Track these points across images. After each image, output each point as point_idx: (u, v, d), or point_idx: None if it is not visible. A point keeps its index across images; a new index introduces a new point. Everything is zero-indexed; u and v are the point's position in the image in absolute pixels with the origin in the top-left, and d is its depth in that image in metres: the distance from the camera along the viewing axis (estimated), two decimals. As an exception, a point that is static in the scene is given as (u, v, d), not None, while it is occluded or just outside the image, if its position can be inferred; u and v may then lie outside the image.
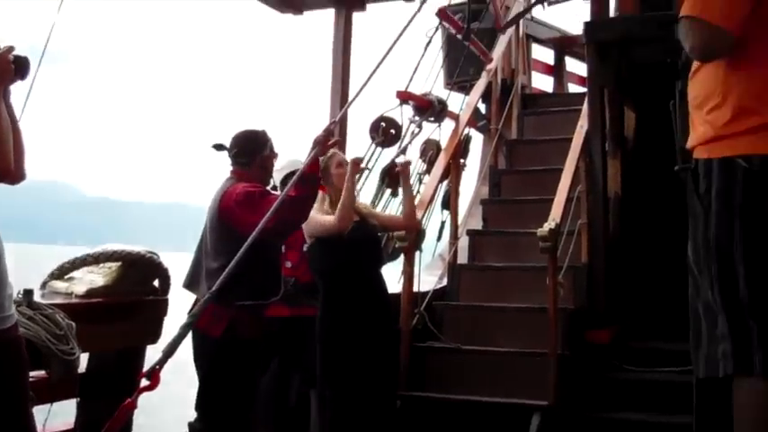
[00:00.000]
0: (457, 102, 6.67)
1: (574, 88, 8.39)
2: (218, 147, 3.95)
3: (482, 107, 7.35)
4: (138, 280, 3.87)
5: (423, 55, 5.64)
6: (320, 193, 4.16)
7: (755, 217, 2.12)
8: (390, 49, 3.56)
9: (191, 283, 3.88)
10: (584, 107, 5.76)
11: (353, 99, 3.67)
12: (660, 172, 3.40)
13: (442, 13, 5.49)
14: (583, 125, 5.67)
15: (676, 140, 2.64)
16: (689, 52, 2.23)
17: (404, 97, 5.51)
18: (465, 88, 6.84)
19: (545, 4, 7.59)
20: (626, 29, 5.41)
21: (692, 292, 2.33)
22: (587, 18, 5.73)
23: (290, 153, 4.89)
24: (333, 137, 3.72)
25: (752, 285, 2.12)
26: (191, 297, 3.85)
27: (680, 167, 2.44)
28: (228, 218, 3.73)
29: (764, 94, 2.15)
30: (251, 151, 3.91)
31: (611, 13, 5.86)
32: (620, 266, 5.52)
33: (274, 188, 4.43)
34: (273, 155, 3.99)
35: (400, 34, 3.62)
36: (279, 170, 4.45)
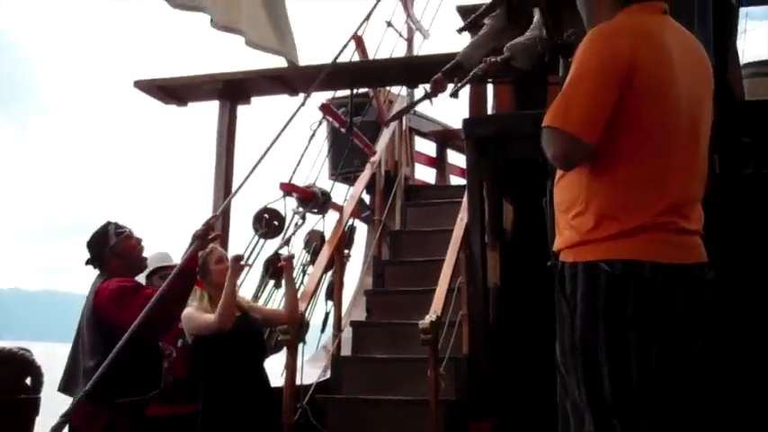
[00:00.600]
0: (341, 192, 6.77)
1: (456, 180, 8.63)
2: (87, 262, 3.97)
3: (366, 198, 7.46)
4: (9, 378, 3.69)
5: (306, 147, 5.71)
6: (198, 290, 4.11)
7: (618, 320, 2.21)
8: (273, 143, 3.61)
9: (66, 386, 3.75)
10: (465, 200, 5.93)
11: (235, 192, 3.68)
12: (537, 264, 3.51)
13: (326, 108, 5.61)
14: (463, 218, 5.82)
15: (548, 237, 2.75)
16: (551, 161, 2.34)
17: (287, 189, 5.54)
18: (349, 179, 6.95)
19: (431, 99, 7.82)
20: (502, 126, 5.63)
21: (561, 390, 2.40)
22: (467, 113, 5.95)
23: (169, 247, 4.85)
24: (213, 231, 3.70)
25: (615, 385, 2.19)
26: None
27: (551, 264, 2.53)
28: (103, 314, 3.65)
29: (625, 201, 2.25)
30: (97, 252, 3.92)
31: (489, 110, 6.11)
32: (500, 358, 5.61)
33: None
34: (126, 239, 3.95)
35: (281, 130, 3.68)
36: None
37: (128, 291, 3.66)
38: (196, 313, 4.09)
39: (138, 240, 4.01)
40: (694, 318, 2.26)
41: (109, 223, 3.97)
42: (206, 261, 4.21)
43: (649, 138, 2.25)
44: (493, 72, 4.67)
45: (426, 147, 8.79)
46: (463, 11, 5.83)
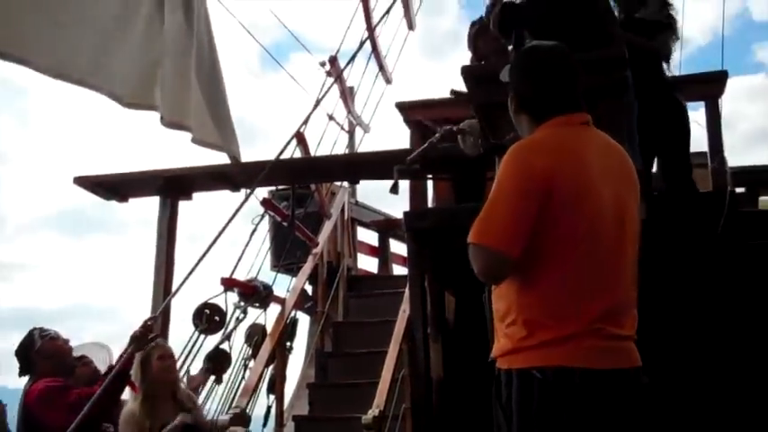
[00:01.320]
0: (284, 284, 6.78)
1: (398, 269, 8.71)
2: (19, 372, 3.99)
3: (309, 289, 7.46)
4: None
5: (248, 242, 5.73)
6: (132, 393, 4.06)
7: (551, 427, 2.25)
8: (214, 241, 3.64)
9: None
10: (407, 292, 5.97)
11: (175, 292, 3.67)
12: (480, 356, 3.56)
13: (268, 203, 5.67)
14: (405, 309, 5.86)
15: (488, 330, 2.80)
16: (477, 276, 2.41)
17: (228, 284, 5.54)
18: (292, 270, 6.96)
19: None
20: (441, 219, 5.74)
21: None
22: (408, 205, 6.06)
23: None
24: (152, 332, 3.69)
25: None
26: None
27: (491, 360, 2.56)
28: (32, 415, 3.65)
29: (554, 309, 2.31)
30: (25, 358, 3.98)
31: (430, 203, 6.23)
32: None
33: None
34: (51, 340, 3.99)
35: (223, 228, 3.72)
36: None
37: (55, 391, 3.69)
38: (131, 418, 4.01)
39: (65, 341, 4.05)
40: (627, 423, 2.30)
41: (33, 329, 4.04)
42: (149, 355, 4.14)
43: (574, 248, 2.33)
44: (446, 140, 4.87)
45: (369, 236, 8.89)
46: (402, 107, 6.01)
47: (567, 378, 2.25)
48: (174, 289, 5.16)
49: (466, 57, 5.57)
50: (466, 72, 4.37)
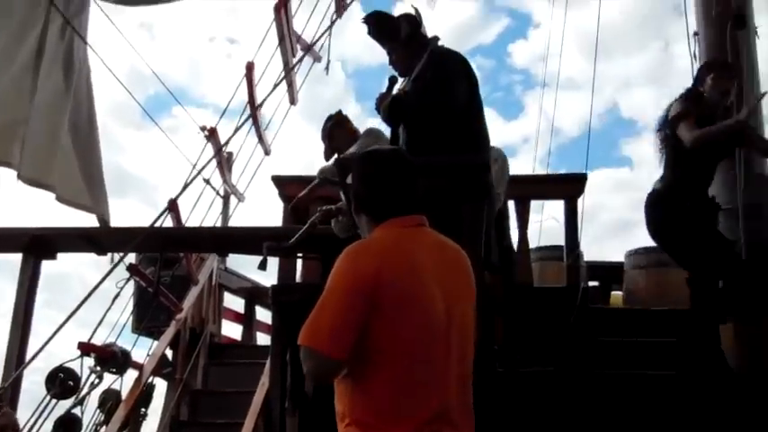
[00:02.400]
0: (145, 346, 6.69)
1: (263, 337, 8.72)
2: None
3: (169, 354, 7.38)
4: None
5: (110, 307, 5.65)
6: None
7: None
8: (79, 306, 3.62)
9: None
10: (268, 363, 6.02)
11: (29, 362, 3.62)
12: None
13: (134, 269, 5.63)
14: (264, 383, 5.89)
15: None
16: (306, 376, 2.52)
17: (85, 349, 5.42)
18: (154, 334, 6.89)
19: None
20: (307, 294, 5.83)
21: None
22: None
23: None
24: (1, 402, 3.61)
25: None
26: None
27: None
28: None
29: (384, 411, 2.39)
30: None
31: (298, 277, 6.33)
32: None
33: None
34: None
35: (88, 295, 3.70)
36: None
37: None
38: None
39: None
40: None
41: None
42: None
43: (402, 351, 2.41)
44: (324, 221, 5.05)
45: (235, 303, 8.88)
46: (278, 181, 6.14)
47: None
48: (28, 358, 5.04)
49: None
50: (337, 163, 4.59)
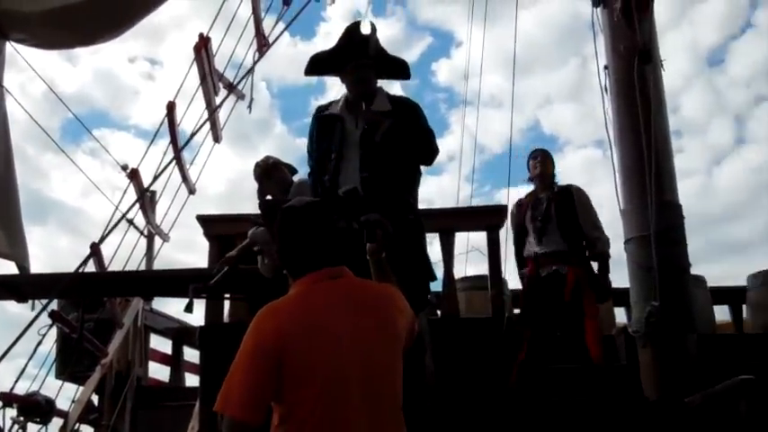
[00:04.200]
0: (70, 392, 6.55)
1: (192, 378, 8.58)
2: None
3: (95, 399, 7.22)
4: None
5: (32, 355, 5.55)
6: None
7: None
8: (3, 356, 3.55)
9: None
10: (197, 406, 5.95)
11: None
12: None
13: (56, 315, 5.54)
14: (194, 426, 5.83)
15: None
16: None
17: (7, 399, 5.31)
18: (79, 379, 6.74)
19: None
20: (234, 335, 5.81)
21: None
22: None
23: None
24: None
25: None
26: None
27: None
28: None
29: None
30: None
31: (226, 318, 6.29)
32: None
33: None
34: None
35: (12, 345, 3.65)
36: None
37: None
38: None
39: None
40: None
41: None
42: None
43: (310, 410, 2.44)
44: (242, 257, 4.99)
45: (162, 344, 8.73)
46: (203, 220, 6.12)
47: None
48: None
49: (271, 146, 5.85)
50: (263, 206, 4.61)
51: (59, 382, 6.84)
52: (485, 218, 5.99)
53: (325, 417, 2.44)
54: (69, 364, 6.66)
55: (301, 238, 2.73)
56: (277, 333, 2.48)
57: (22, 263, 5.16)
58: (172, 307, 9.15)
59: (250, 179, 5.93)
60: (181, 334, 8.70)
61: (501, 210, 6.09)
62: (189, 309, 5.23)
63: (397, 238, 3.26)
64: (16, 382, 5.48)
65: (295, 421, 2.46)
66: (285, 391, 2.46)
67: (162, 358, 8.62)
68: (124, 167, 7.46)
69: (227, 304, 6.23)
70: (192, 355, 8.80)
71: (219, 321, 6.11)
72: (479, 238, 6.17)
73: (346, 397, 2.47)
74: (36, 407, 5.51)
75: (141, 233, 7.94)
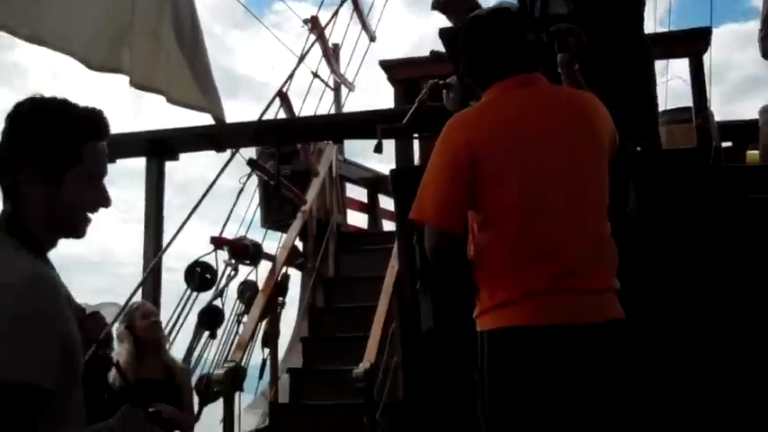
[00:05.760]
0: (275, 240, 6.87)
1: (389, 224, 8.78)
2: None
3: (300, 245, 7.54)
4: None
5: (236, 201, 5.80)
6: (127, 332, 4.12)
7: (511, 386, 2.31)
8: (200, 201, 3.69)
9: None
10: (395, 247, 6.06)
11: (165, 249, 3.75)
12: (468, 310, 3.65)
13: (254, 164, 5.72)
14: (394, 265, 5.95)
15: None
16: (429, 255, 2.47)
17: (218, 243, 5.61)
18: (282, 227, 7.04)
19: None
20: (425, 175, 5.80)
21: None
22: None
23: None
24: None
25: None
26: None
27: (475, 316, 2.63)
28: None
29: (508, 271, 2.37)
30: None
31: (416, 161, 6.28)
32: (436, 403, 5.70)
33: None
34: None
35: (208, 189, 3.78)
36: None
37: None
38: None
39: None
40: (594, 380, 2.30)
41: None
42: (132, 316, 4.22)
43: (511, 215, 2.36)
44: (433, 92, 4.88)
45: (358, 193, 8.96)
46: (386, 65, 6.04)
47: (523, 337, 2.29)
48: (164, 245, 5.22)
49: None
50: (442, 33, 4.40)
51: (264, 231, 7.19)
52: (688, 43, 5.49)
53: (526, 219, 2.37)
54: (272, 213, 6.94)
55: (488, 44, 2.59)
56: (467, 141, 2.40)
57: (218, 114, 5.29)
58: (363, 157, 9.29)
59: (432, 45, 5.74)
60: (375, 183, 8.89)
61: (705, 33, 5.54)
62: (378, 149, 5.22)
63: (619, 58, 3.03)
64: (224, 227, 5.78)
65: (495, 227, 2.40)
66: (482, 198, 2.40)
67: (359, 206, 8.86)
68: (305, 21, 7.47)
69: (416, 146, 6.20)
70: (387, 203, 8.99)
71: (410, 163, 6.12)
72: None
73: (548, 199, 2.39)
74: (245, 250, 5.80)
75: (327, 85, 8.00)
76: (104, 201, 1.70)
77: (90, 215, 1.70)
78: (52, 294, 1.52)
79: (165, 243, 5.60)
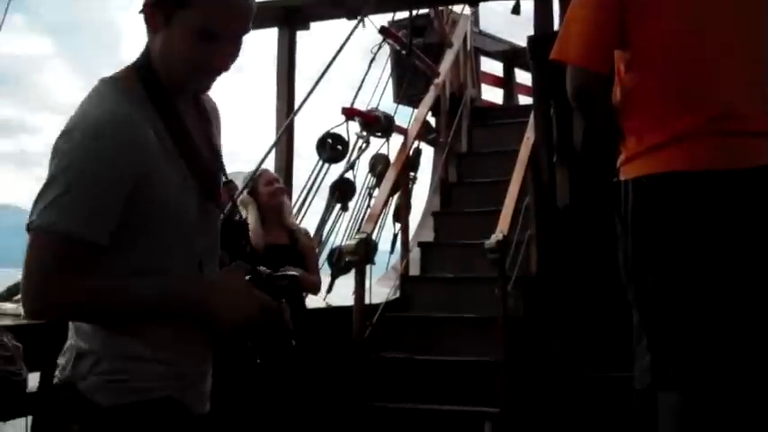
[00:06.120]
0: (406, 116, 6.76)
1: (524, 100, 8.48)
2: None
3: (432, 121, 7.41)
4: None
5: (367, 71, 5.70)
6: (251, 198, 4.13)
7: (663, 236, 2.15)
8: (331, 61, 3.62)
9: None
10: (531, 119, 5.85)
11: (297, 110, 3.72)
12: (608, 182, 3.47)
13: (386, 31, 5.57)
14: (530, 137, 5.76)
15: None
16: (570, 98, 2.28)
17: (350, 113, 5.56)
18: (414, 102, 6.92)
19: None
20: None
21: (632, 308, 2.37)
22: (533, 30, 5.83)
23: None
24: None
25: (661, 301, 2.16)
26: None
27: (615, 182, 2.48)
28: None
29: (660, 113, 2.19)
30: None
31: (556, 26, 5.96)
32: (569, 276, 5.59)
33: None
34: None
35: (339, 49, 3.70)
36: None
37: None
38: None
39: None
40: (749, 228, 2.14)
41: None
42: (255, 183, 4.23)
43: (664, 54, 2.18)
44: None
45: (493, 67, 8.68)
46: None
47: (678, 183, 2.13)
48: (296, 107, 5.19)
49: None
50: None
51: (395, 108, 7.07)
52: None
53: (680, 58, 2.18)
54: (403, 87, 6.81)
55: None
56: None
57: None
58: (500, 32, 8.92)
59: None
60: (511, 56, 8.56)
61: None
62: (516, 11, 4.96)
63: None
64: (355, 98, 5.73)
65: (645, 66, 2.21)
66: (631, 36, 2.20)
67: (493, 80, 8.59)
68: None
69: (556, 7, 5.87)
70: (523, 77, 8.67)
71: (550, 29, 5.81)
72: None
73: (706, 37, 2.19)
74: (376, 121, 5.74)
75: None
76: (209, 63, 1.51)
77: (201, 74, 1.54)
78: (118, 139, 1.42)
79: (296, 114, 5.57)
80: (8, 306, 3.70)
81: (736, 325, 2.14)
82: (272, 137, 5.45)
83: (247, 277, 1.55)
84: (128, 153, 1.42)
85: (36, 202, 1.41)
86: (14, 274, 3.80)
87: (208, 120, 1.66)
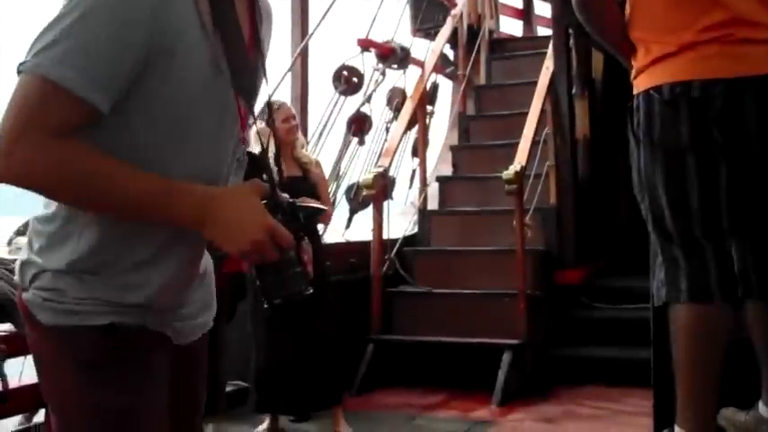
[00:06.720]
0: (423, 48, 6.63)
1: (543, 32, 8.30)
2: None
3: (450, 53, 7.28)
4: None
5: (382, 1, 5.58)
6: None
7: (673, 147, 2.14)
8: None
9: None
10: (550, 49, 5.73)
11: (311, 34, 3.63)
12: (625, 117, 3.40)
13: (402, -42, 5.45)
14: (548, 66, 5.64)
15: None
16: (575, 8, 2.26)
17: (365, 45, 5.47)
18: (431, 35, 6.78)
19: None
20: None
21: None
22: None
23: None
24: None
25: (676, 216, 2.15)
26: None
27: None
28: None
29: (666, 22, 2.15)
30: None
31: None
32: (589, 207, 5.54)
33: None
34: None
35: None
36: None
37: None
38: None
39: None
40: (760, 132, 2.11)
41: None
42: (273, 118, 4.18)
43: None
44: None
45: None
46: None
47: (686, 92, 2.10)
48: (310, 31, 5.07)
49: None
50: None
51: (411, 41, 6.93)
52: None
53: None
54: (419, 18, 6.68)
55: None
56: None
57: None
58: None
59: None
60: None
61: None
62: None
63: None
64: (370, 29, 5.62)
65: None
66: None
67: (513, 12, 8.40)
68: None
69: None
70: (542, 9, 8.47)
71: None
72: None
73: None
74: (392, 53, 5.64)
75: None
76: None
77: None
78: None
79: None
80: (23, 240, 3.71)
81: (745, 232, 2.13)
82: (287, 65, 5.36)
83: (263, 202, 1.23)
84: (150, 15, 1.16)
85: (33, 43, 1.15)
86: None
87: (260, 20, 1.40)
